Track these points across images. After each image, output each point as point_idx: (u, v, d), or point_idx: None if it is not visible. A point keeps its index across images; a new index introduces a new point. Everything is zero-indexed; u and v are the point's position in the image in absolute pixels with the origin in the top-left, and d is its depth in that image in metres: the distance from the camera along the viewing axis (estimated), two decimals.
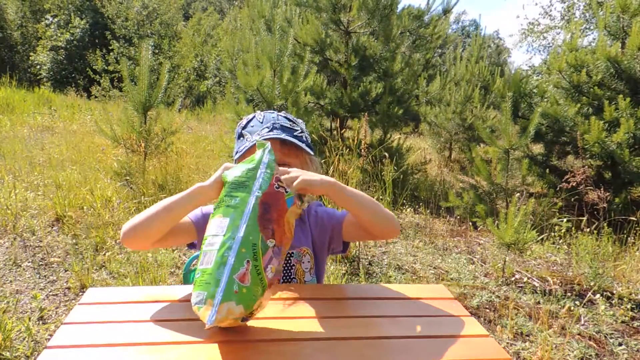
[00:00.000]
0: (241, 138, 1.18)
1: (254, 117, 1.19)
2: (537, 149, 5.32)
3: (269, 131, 1.13)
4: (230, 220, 0.83)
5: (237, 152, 1.18)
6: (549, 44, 15.69)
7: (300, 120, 1.21)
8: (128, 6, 14.35)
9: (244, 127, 1.18)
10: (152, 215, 1.00)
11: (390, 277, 3.08)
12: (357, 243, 3.28)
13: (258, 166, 0.90)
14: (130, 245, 1.04)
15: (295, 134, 1.15)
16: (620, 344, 2.38)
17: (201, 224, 1.15)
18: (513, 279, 3.13)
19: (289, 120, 1.18)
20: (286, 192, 0.90)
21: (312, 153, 1.15)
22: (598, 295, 2.83)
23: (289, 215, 0.90)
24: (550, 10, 15.27)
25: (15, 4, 14.82)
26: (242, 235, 0.82)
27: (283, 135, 1.11)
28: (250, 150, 1.10)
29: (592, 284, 2.95)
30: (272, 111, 1.20)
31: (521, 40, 16.15)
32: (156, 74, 4.34)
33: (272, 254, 0.84)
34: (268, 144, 0.94)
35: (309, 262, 1.22)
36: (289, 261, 1.18)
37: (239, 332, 0.87)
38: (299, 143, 1.12)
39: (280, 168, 0.95)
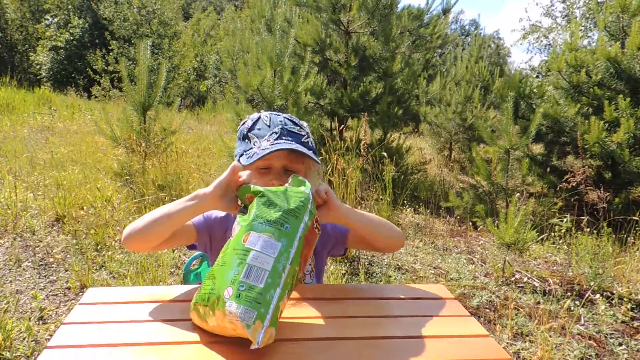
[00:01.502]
0: (246, 140, 1.16)
1: (259, 118, 1.17)
2: (537, 149, 5.32)
3: (277, 137, 1.11)
4: (283, 246, 0.86)
5: (241, 155, 1.15)
6: (549, 43, 15.69)
7: (304, 123, 1.20)
8: (125, 8, 14.35)
9: (250, 129, 1.16)
10: (153, 220, 1.01)
11: (390, 277, 3.08)
12: None
13: (308, 202, 0.93)
14: (132, 247, 1.06)
15: (302, 140, 1.14)
16: (620, 344, 2.38)
17: (203, 226, 1.15)
18: (513, 279, 3.13)
19: (295, 124, 1.17)
20: (318, 233, 0.96)
21: (318, 160, 1.15)
22: (598, 295, 2.83)
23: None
24: (552, 10, 15.23)
25: (15, 4, 14.82)
26: (290, 266, 0.85)
27: (294, 146, 1.10)
28: (265, 158, 1.09)
29: (592, 284, 2.95)
30: (277, 113, 1.18)
31: (524, 37, 16.14)
32: (155, 74, 4.34)
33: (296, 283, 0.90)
34: (307, 183, 0.98)
35: (309, 265, 1.22)
36: None
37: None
38: (308, 152, 1.11)
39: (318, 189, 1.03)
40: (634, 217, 3.51)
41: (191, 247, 1.17)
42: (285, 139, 1.11)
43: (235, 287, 0.81)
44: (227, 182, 1.00)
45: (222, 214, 1.20)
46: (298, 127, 1.16)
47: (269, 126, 1.14)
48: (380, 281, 3.03)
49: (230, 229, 0.98)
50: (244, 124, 1.19)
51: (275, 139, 1.11)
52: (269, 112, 1.19)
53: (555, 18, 14.99)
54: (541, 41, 16.01)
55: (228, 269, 0.84)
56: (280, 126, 1.13)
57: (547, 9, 15.34)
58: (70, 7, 14.94)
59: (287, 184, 0.99)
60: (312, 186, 0.99)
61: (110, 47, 12.82)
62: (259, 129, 1.14)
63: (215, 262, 0.90)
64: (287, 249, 0.86)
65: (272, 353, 0.81)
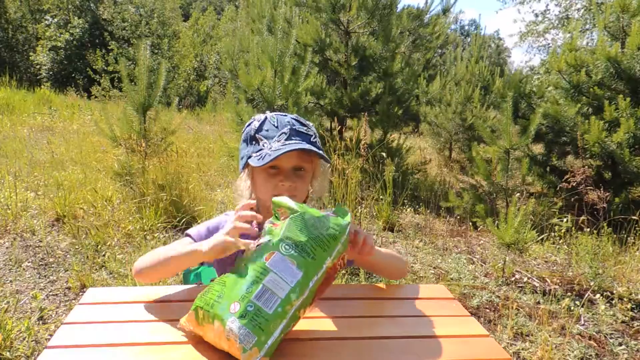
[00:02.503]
0: (254, 142, 1.14)
1: (266, 119, 1.16)
2: (537, 149, 5.32)
3: (287, 138, 1.11)
4: (303, 277, 0.82)
5: (249, 157, 1.14)
6: (548, 44, 15.70)
7: (310, 124, 1.20)
8: (124, 9, 14.35)
9: (257, 130, 1.15)
10: (158, 262, 1.07)
11: None
12: None
13: (341, 236, 0.88)
14: (142, 281, 1.15)
15: (311, 139, 1.14)
16: (620, 344, 2.38)
17: None
18: (513, 279, 3.13)
19: (302, 124, 1.16)
20: (338, 270, 0.92)
21: (328, 159, 1.15)
22: (598, 295, 2.83)
23: None
24: (547, 13, 15.24)
25: (15, 4, 14.82)
26: (305, 299, 0.82)
27: (307, 146, 1.10)
28: (277, 160, 1.08)
29: (592, 284, 2.94)
30: (284, 114, 1.17)
31: (521, 39, 16.15)
32: (155, 74, 4.33)
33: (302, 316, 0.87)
34: (348, 217, 0.92)
35: None
36: None
37: None
38: (319, 151, 1.11)
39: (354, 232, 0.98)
40: (634, 217, 3.51)
41: (201, 264, 1.18)
42: (295, 139, 1.11)
43: (243, 304, 0.78)
44: (225, 248, 0.96)
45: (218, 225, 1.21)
46: (306, 127, 1.16)
47: (277, 127, 1.13)
48: (380, 281, 3.03)
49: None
50: (249, 125, 1.18)
51: (285, 139, 1.10)
52: (275, 113, 1.18)
53: (551, 21, 14.99)
54: (540, 42, 16.03)
55: (242, 282, 0.81)
56: (288, 127, 1.12)
57: (540, 13, 15.34)
58: (70, 7, 14.94)
59: (328, 212, 0.93)
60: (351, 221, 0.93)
61: (109, 48, 12.83)
62: (267, 130, 1.13)
63: (232, 269, 0.87)
64: (305, 281, 0.82)
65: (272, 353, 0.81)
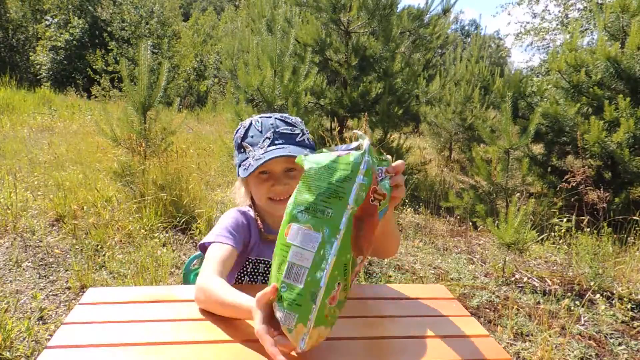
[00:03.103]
0: (242, 150, 1.14)
1: (251, 124, 1.15)
2: (537, 149, 5.32)
3: (270, 143, 1.10)
4: (323, 237, 0.76)
5: (239, 165, 1.13)
6: (547, 44, 15.69)
7: (298, 120, 1.18)
8: (123, 9, 14.35)
9: (243, 138, 1.14)
10: (209, 305, 0.94)
11: (390, 277, 3.08)
12: None
13: (355, 174, 0.77)
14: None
15: (297, 139, 1.13)
16: (620, 344, 2.38)
17: (240, 245, 1.13)
18: (513, 279, 3.13)
19: (288, 124, 1.14)
20: (380, 204, 0.81)
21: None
22: (598, 295, 2.83)
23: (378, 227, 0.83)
24: (545, 14, 15.24)
25: (16, 4, 14.83)
26: (335, 256, 0.75)
27: (287, 151, 1.07)
28: (264, 165, 1.06)
29: (592, 284, 2.94)
30: (268, 115, 1.16)
31: (518, 39, 16.15)
32: (155, 74, 4.33)
33: (358, 268, 0.81)
34: (366, 140, 0.81)
35: None
36: None
37: (239, 333, 0.87)
38: (304, 151, 1.08)
39: (392, 165, 0.85)
40: (634, 217, 3.51)
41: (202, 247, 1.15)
42: (278, 143, 1.10)
43: (278, 287, 0.77)
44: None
45: (244, 219, 1.18)
46: (291, 127, 1.14)
47: (261, 132, 1.12)
48: (380, 281, 3.03)
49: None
50: (237, 132, 1.17)
51: (268, 146, 1.10)
52: (260, 115, 1.17)
53: (551, 22, 14.99)
54: (539, 43, 16.02)
55: (274, 267, 0.80)
56: (271, 130, 1.11)
57: (539, 14, 15.34)
58: (70, 7, 14.95)
59: (341, 150, 0.82)
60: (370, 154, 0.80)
61: (109, 48, 12.83)
62: (252, 136, 1.13)
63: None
64: (329, 239, 0.75)
65: None
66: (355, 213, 0.77)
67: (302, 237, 0.77)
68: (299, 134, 1.15)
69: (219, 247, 1.07)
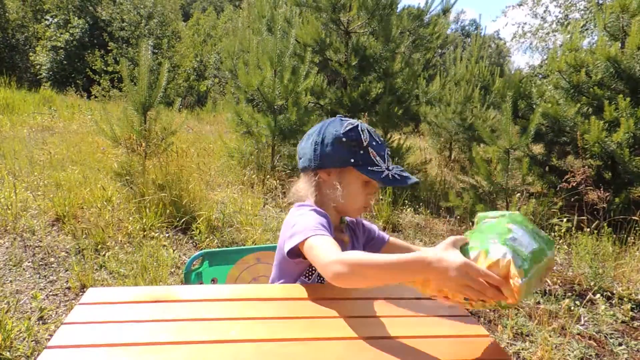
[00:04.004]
0: (362, 152, 1.13)
1: (370, 132, 1.16)
2: (537, 149, 5.32)
3: (388, 159, 1.17)
4: (537, 248, 0.85)
5: (356, 164, 1.12)
6: (547, 45, 15.70)
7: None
8: (123, 9, 14.35)
9: (368, 142, 1.14)
10: (359, 275, 0.88)
11: None
12: None
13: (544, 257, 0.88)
14: (341, 286, 0.93)
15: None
16: (620, 344, 2.38)
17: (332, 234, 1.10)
18: None
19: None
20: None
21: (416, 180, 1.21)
22: (598, 295, 2.83)
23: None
24: (546, 15, 15.25)
25: (16, 4, 14.84)
26: (536, 271, 0.83)
27: (412, 180, 1.14)
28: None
29: (592, 284, 2.94)
30: (371, 127, 1.18)
31: (513, 38, 16.17)
32: (155, 74, 4.33)
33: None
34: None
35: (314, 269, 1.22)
36: None
37: (239, 333, 0.87)
38: (415, 179, 1.17)
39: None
40: (634, 217, 3.51)
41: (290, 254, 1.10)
42: (393, 165, 1.17)
43: (502, 240, 0.81)
44: (465, 288, 0.80)
45: (323, 217, 1.13)
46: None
47: (380, 143, 1.17)
48: None
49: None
50: (353, 130, 1.14)
51: (387, 160, 1.16)
52: (359, 121, 1.17)
53: (551, 23, 14.99)
54: (538, 43, 16.03)
55: (486, 236, 0.84)
56: (386, 148, 1.18)
57: (539, 14, 15.34)
58: (70, 7, 14.96)
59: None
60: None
61: (109, 48, 12.84)
62: (375, 144, 1.15)
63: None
64: (539, 255, 0.84)
65: (272, 353, 0.81)
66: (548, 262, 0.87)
67: (526, 239, 0.84)
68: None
69: (322, 237, 1.00)
